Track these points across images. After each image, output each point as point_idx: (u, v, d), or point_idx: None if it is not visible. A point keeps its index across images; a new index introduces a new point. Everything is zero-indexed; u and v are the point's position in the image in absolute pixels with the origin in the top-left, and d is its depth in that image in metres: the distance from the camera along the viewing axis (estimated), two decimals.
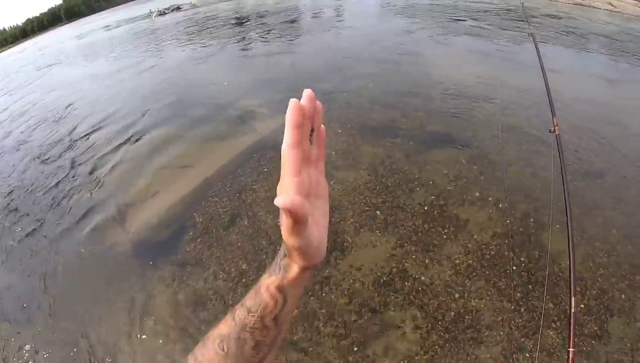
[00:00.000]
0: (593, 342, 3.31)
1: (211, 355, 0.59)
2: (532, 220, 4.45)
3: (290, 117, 0.52)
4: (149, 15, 25.77)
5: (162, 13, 25.07)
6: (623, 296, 3.66)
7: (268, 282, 0.61)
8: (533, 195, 4.81)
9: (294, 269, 0.59)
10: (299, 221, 0.52)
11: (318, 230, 0.59)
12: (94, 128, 8.08)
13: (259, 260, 4.11)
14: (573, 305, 1.80)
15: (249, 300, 0.61)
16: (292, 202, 0.50)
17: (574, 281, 1.91)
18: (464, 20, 14.12)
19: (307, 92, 0.55)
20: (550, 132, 2.81)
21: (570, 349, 1.64)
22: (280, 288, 0.60)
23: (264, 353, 0.61)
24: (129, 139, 7.21)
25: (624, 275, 3.86)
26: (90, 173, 6.33)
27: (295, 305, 0.63)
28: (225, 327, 0.61)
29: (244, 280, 3.94)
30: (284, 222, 0.53)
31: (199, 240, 4.51)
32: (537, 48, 3.91)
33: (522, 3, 5.22)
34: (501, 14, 15.41)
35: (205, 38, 14.65)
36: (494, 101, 7.32)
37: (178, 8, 26.07)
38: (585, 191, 4.85)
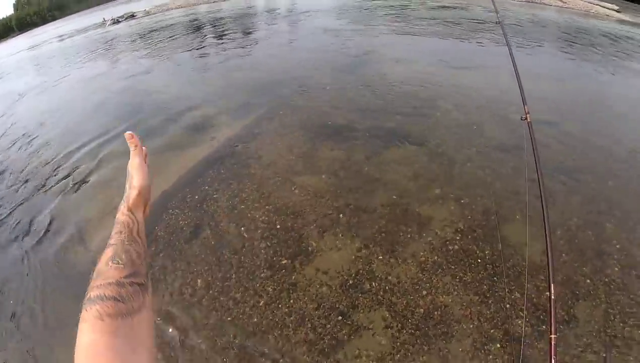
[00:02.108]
0: (561, 326, 3.36)
1: (111, 273, 0.72)
2: (493, 213, 4.54)
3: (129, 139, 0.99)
4: (103, 24, 25.00)
5: (116, 21, 24.38)
6: (588, 280, 3.75)
7: (120, 211, 0.89)
8: (493, 188, 4.92)
9: (133, 193, 0.91)
10: (139, 152, 0.98)
11: (146, 174, 0.97)
12: (42, 144, 7.67)
13: (223, 271, 4.00)
14: (553, 292, 1.82)
15: (115, 228, 0.85)
16: (132, 133, 0.98)
17: (553, 269, 1.92)
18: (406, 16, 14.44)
19: (126, 134, 1.00)
20: (522, 119, 2.86)
21: (552, 335, 1.66)
22: (130, 209, 0.89)
23: (145, 266, 0.79)
24: (79, 154, 6.89)
25: (586, 260, 3.95)
26: (41, 192, 6.01)
27: (143, 225, 0.90)
28: (109, 252, 0.77)
29: (210, 292, 3.83)
30: (134, 155, 0.97)
31: (161, 254, 4.35)
32: (505, 35, 3.91)
33: None
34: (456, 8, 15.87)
35: (160, 46, 14.31)
36: (450, 98, 7.46)
37: (132, 16, 25.43)
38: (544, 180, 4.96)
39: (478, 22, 14.45)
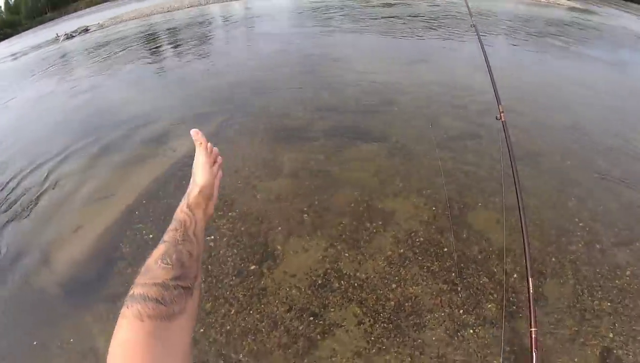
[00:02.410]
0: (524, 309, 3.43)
1: (158, 272, 0.72)
2: (456, 202, 4.63)
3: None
4: (56, 39, 24.26)
5: (69, 36, 23.67)
6: (553, 259, 3.84)
7: (180, 207, 0.89)
8: (455, 178, 5.03)
9: (195, 191, 0.92)
10: (204, 150, 0.99)
11: (209, 173, 0.97)
12: None
13: None
14: (531, 286, 1.87)
15: (172, 224, 0.84)
16: (198, 131, 1.01)
17: (530, 264, 1.99)
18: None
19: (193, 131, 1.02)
20: (496, 119, 2.92)
21: (532, 329, 1.69)
22: (189, 207, 0.88)
23: (195, 267, 0.78)
24: (34, 176, 6.54)
25: (550, 240, 4.06)
26: None
27: (202, 224, 0.88)
28: (162, 248, 0.77)
29: None
30: (199, 153, 0.99)
31: (128, 271, 4.24)
32: (479, 38, 3.99)
33: None
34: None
35: (115, 59, 13.90)
36: (407, 93, 7.58)
37: (86, 30, 24.75)
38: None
39: (427, 19, 14.73)
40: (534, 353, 1.61)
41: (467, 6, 5.17)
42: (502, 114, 2.89)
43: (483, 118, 6.36)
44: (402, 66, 9.38)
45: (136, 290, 0.68)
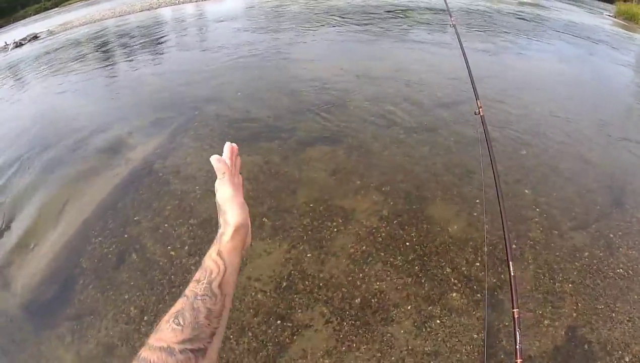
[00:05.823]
0: (495, 292, 3.54)
1: (167, 334, 0.63)
2: (415, 196, 4.72)
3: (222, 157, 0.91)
4: (5, 48, 23.27)
5: (18, 44, 22.68)
6: (514, 246, 3.93)
7: (209, 252, 0.77)
8: (412, 174, 5.13)
9: (228, 232, 0.79)
10: (230, 179, 0.87)
11: (242, 207, 0.84)
12: None
13: (156, 293, 3.86)
14: (512, 269, 1.94)
15: (196, 273, 0.74)
16: (219, 157, 0.88)
17: (510, 247, 2.06)
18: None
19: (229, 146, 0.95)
20: (475, 114, 3.02)
21: (515, 310, 1.75)
22: (219, 253, 0.76)
23: (215, 325, 0.68)
24: None
25: (510, 227, 4.13)
26: None
27: (234, 274, 0.76)
28: (179, 304, 0.69)
29: (145, 317, 3.68)
30: (223, 183, 0.86)
31: (90, 287, 4.12)
32: (459, 38, 4.09)
33: None
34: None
35: (66, 67, 13.23)
36: (362, 91, 7.65)
37: (35, 37, 23.78)
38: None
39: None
40: (517, 333, 1.68)
41: (447, 9, 5.33)
42: (480, 109, 2.97)
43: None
44: (357, 65, 9.34)
45: (143, 352, 0.62)
